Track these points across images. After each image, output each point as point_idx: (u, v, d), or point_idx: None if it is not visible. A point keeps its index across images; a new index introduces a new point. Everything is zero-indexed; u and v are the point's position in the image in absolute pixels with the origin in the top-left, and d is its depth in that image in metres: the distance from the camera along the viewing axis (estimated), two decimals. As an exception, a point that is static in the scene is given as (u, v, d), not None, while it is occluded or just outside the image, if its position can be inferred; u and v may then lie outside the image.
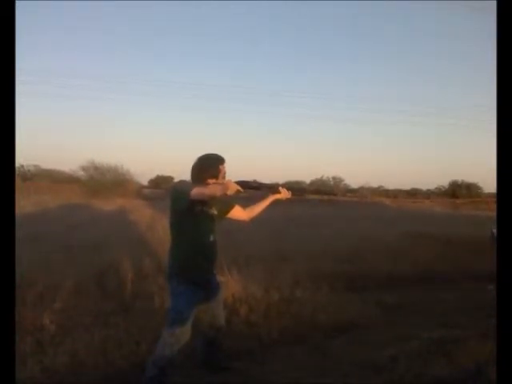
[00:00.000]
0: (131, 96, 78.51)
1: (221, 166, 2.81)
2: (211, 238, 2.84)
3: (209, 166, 2.79)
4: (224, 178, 2.82)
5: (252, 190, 2.92)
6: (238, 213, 3.05)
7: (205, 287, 2.86)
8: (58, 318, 3.69)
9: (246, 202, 3.07)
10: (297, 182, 45.04)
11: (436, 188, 47.05)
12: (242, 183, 2.79)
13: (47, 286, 4.32)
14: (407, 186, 52.87)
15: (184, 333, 2.72)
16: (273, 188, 3.00)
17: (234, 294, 4.33)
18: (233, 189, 2.67)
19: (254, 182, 2.92)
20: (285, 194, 2.97)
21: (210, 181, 2.76)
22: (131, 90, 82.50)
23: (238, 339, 3.61)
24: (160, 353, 2.70)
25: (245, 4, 74.60)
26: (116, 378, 3.01)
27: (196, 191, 2.52)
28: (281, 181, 45.46)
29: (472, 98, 78.13)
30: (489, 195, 34.64)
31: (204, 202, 2.74)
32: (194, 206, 2.67)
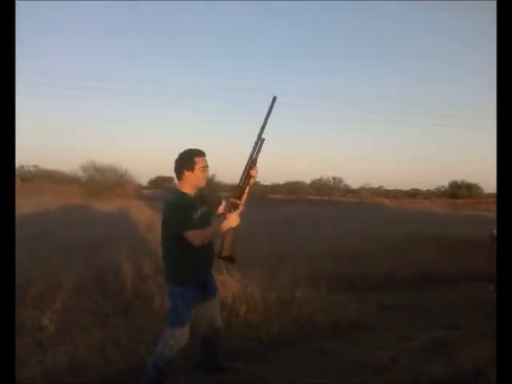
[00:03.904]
0: (131, 96, 78.80)
1: (196, 158, 2.77)
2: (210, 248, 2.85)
3: (184, 159, 2.78)
4: (202, 170, 2.78)
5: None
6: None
7: (202, 288, 2.88)
8: (57, 319, 3.70)
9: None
10: (297, 183, 45.09)
11: (436, 188, 47.10)
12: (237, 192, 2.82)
13: (47, 286, 4.32)
14: (407, 187, 53.03)
15: (183, 334, 2.73)
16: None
17: (233, 294, 4.32)
18: (235, 223, 2.73)
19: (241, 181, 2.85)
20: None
21: (186, 172, 2.76)
22: (131, 91, 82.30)
23: (237, 339, 3.61)
24: (159, 354, 2.71)
25: (244, 3, 74.65)
26: (116, 378, 3.01)
27: (195, 238, 2.62)
28: (281, 181, 45.35)
29: (472, 98, 78.33)
30: (489, 195, 34.63)
31: (196, 206, 2.79)
32: (187, 217, 2.67)
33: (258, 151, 2.82)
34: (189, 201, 2.76)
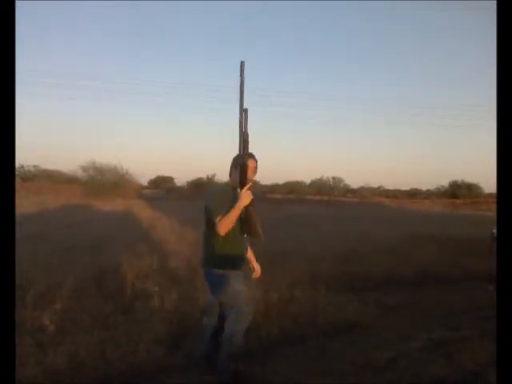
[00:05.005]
0: (131, 96, 78.78)
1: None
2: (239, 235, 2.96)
3: (234, 159, 3.01)
4: (250, 171, 2.96)
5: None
6: None
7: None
8: (57, 319, 3.69)
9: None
10: (297, 182, 45.14)
11: (436, 188, 47.13)
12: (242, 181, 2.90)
13: (47, 286, 4.32)
14: (407, 186, 53.09)
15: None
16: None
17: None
18: (247, 198, 2.84)
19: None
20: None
21: (234, 169, 2.99)
22: (131, 91, 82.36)
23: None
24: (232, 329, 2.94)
25: (244, 4, 74.63)
26: (116, 378, 3.01)
27: (222, 228, 2.78)
28: (281, 181, 45.38)
29: (472, 98, 78.40)
30: (489, 195, 34.63)
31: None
32: (221, 205, 2.85)
33: (246, 122, 2.87)
34: (230, 192, 2.93)
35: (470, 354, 3.01)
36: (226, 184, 3.05)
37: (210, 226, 2.88)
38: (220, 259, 2.93)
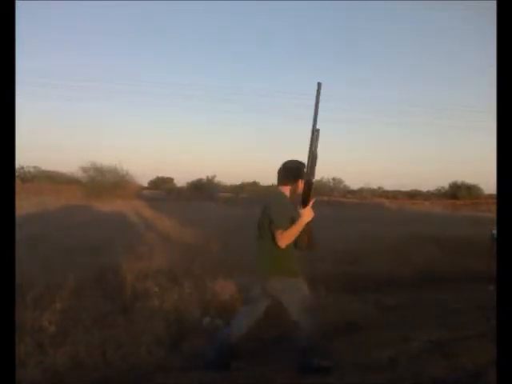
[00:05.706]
0: (131, 97, 78.87)
1: (303, 169, 3.01)
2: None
3: (300, 169, 3.03)
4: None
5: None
6: None
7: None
8: (58, 319, 3.69)
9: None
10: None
11: (436, 189, 47.04)
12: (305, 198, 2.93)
13: (47, 287, 4.32)
14: (407, 187, 52.95)
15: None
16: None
17: (233, 296, 4.32)
18: (310, 216, 2.93)
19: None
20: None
21: (299, 181, 3.01)
22: (131, 91, 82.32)
23: (238, 339, 3.60)
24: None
25: (244, 4, 74.71)
26: (116, 378, 3.01)
27: (282, 242, 2.86)
28: (281, 182, 45.51)
29: (472, 98, 78.45)
30: (489, 196, 34.60)
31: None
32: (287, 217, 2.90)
33: (316, 144, 2.86)
34: (290, 206, 2.98)
35: (470, 355, 3.01)
36: (285, 195, 3.04)
37: (269, 235, 2.94)
38: (287, 266, 3.07)
